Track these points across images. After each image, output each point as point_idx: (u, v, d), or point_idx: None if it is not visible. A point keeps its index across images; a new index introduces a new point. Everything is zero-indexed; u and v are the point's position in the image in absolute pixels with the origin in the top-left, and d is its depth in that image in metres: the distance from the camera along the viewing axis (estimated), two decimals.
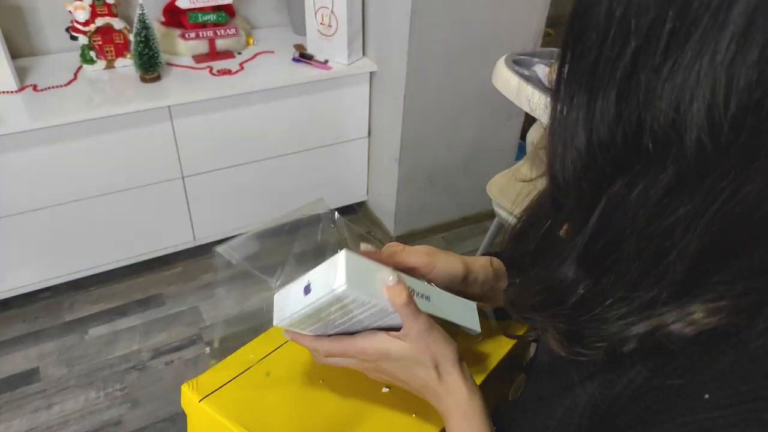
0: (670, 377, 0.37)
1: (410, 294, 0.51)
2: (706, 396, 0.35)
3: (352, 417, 0.60)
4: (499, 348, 0.70)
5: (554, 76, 0.39)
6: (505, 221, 1.53)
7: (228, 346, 0.67)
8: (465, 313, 0.61)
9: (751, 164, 0.32)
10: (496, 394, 0.68)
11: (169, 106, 1.68)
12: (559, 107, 0.39)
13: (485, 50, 1.84)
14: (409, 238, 2.22)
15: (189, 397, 0.62)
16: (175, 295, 1.94)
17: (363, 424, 0.60)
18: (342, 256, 0.50)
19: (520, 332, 0.71)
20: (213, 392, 0.62)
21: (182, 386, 0.63)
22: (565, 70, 0.38)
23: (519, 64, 1.44)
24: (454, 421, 0.53)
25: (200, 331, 1.80)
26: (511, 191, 1.52)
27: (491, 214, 1.60)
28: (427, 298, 0.57)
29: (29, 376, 1.66)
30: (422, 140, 1.99)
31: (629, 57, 0.33)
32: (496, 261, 0.68)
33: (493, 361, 0.68)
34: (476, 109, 2.01)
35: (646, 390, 0.38)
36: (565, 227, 0.45)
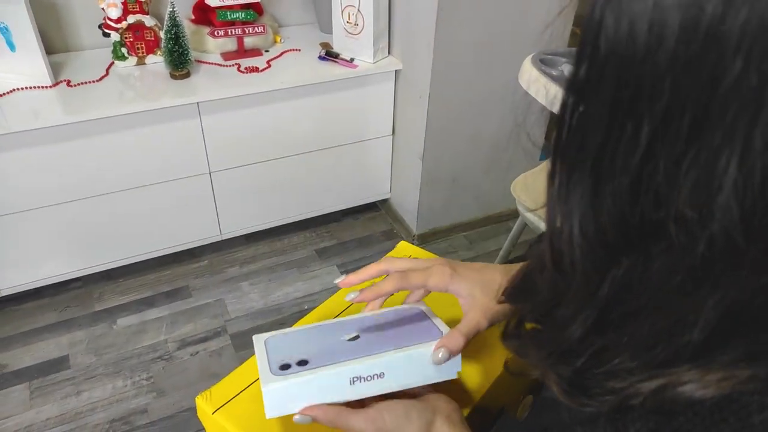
0: None
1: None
2: None
3: None
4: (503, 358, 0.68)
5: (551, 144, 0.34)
6: (529, 221, 1.52)
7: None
8: (437, 366, 0.53)
9: None
10: (503, 400, 0.67)
11: (197, 103, 1.71)
12: (557, 182, 0.34)
13: (512, 49, 1.83)
14: (432, 237, 2.22)
15: (203, 409, 0.63)
16: (201, 287, 1.97)
17: None
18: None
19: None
20: (225, 404, 0.62)
21: (196, 398, 0.63)
22: (561, 143, 0.33)
23: (546, 63, 1.43)
24: None
25: (225, 323, 1.83)
26: (536, 191, 1.51)
27: (515, 214, 1.59)
28: (380, 375, 0.51)
29: (60, 363, 1.71)
30: (446, 139, 1.99)
31: (644, 143, 0.29)
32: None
33: (496, 372, 0.67)
34: (501, 108, 2.00)
35: None
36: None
